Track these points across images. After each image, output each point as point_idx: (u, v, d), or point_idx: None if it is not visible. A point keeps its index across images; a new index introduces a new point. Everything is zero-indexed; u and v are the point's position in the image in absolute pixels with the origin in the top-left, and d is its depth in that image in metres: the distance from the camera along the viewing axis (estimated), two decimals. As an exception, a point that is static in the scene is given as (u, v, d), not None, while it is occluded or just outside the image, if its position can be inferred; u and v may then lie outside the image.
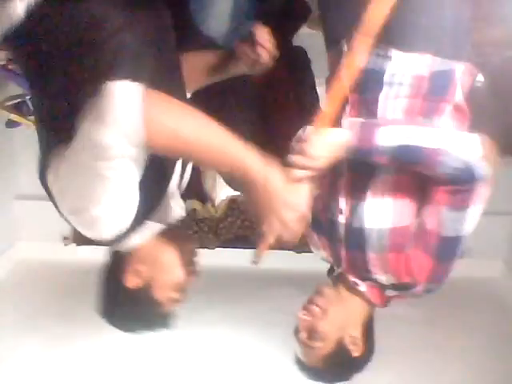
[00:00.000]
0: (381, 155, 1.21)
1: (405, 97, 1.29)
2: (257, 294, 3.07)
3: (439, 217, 1.23)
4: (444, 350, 2.68)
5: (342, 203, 1.34)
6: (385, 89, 1.29)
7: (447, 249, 1.27)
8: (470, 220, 1.25)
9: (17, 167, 3.24)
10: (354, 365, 1.42)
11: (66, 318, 2.78)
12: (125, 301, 1.33)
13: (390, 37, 1.26)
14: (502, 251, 3.36)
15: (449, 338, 2.77)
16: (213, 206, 3.35)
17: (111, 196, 1.10)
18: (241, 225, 3.36)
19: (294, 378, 2.46)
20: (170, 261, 1.32)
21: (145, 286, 1.31)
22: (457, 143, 1.20)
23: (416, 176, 1.25)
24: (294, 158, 1.21)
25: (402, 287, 1.34)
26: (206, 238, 3.35)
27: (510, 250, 3.33)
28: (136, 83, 1.01)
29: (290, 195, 1.11)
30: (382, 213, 1.28)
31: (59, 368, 2.49)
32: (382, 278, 1.34)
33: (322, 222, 1.41)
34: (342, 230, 1.35)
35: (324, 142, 1.22)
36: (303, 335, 1.39)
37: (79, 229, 1.20)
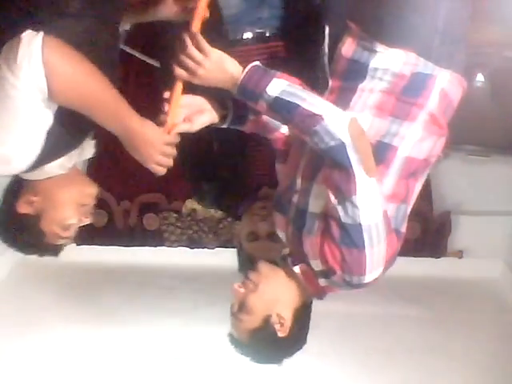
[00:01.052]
0: (262, 102, 1.26)
1: (379, 91, 1.30)
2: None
3: (333, 203, 1.23)
4: (444, 350, 2.68)
5: (298, 183, 1.38)
6: (365, 81, 1.31)
7: (348, 236, 1.23)
8: (365, 210, 1.21)
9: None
10: (279, 346, 1.43)
11: (65, 318, 2.78)
12: (13, 225, 1.43)
13: (377, 30, 1.28)
14: (502, 251, 3.36)
15: (449, 337, 2.77)
16: (213, 205, 3.35)
17: (14, 135, 1.20)
18: (241, 225, 3.36)
19: (293, 378, 2.47)
20: (63, 199, 1.41)
21: (34, 217, 1.40)
22: (337, 121, 1.20)
23: None
24: (180, 58, 1.27)
25: (326, 274, 1.33)
26: (206, 238, 3.35)
27: (510, 249, 3.33)
28: (41, 32, 1.14)
29: (159, 140, 1.30)
30: (323, 197, 1.28)
31: (59, 368, 2.49)
32: (314, 263, 1.35)
33: (283, 201, 1.46)
34: (292, 210, 1.39)
35: (218, 62, 1.28)
36: (235, 307, 1.45)
37: None
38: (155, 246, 3.22)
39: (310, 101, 1.23)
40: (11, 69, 1.13)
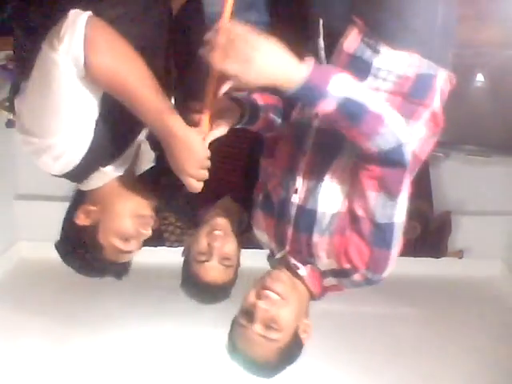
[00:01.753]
0: (328, 101, 1.11)
1: (385, 91, 1.28)
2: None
3: (372, 202, 1.21)
4: (444, 350, 2.68)
5: (299, 182, 1.32)
6: (369, 79, 1.28)
7: (382, 235, 1.23)
8: (401, 208, 1.22)
9: (17, 167, 3.24)
10: (299, 354, 1.39)
11: (65, 317, 2.78)
12: (71, 237, 1.39)
13: (382, 32, 1.26)
14: (501, 251, 3.36)
15: (449, 337, 2.77)
16: (213, 205, 3.35)
17: (63, 123, 1.18)
18: (241, 225, 3.36)
19: (293, 378, 2.47)
20: (121, 209, 1.36)
21: (91, 227, 1.35)
22: (396, 121, 1.17)
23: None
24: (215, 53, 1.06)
25: (341, 273, 1.30)
26: (206, 238, 3.35)
27: (510, 249, 3.33)
28: (87, 12, 1.14)
29: (203, 152, 1.21)
30: (336, 197, 1.26)
31: (59, 368, 2.49)
32: (325, 263, 1.31)
33: (272, 200, 1.40)
34: (293, 210, 1.32)
35: (270, 56, 1.07)
36: (258, 327, 1.30)
37: (33, 158, 1.28)
38: (155, 246, 3.21)
39: (372, 98, 1.16)
40: (52, 45, 1.12)
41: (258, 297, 1.32)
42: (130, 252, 1.40)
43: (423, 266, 3.29)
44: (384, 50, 1.28)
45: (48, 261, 3.29)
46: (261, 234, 1.49)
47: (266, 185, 1.44)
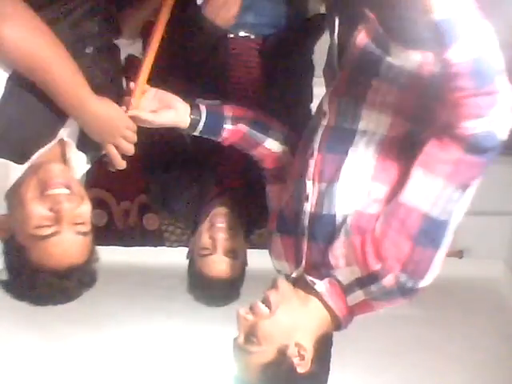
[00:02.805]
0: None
1: (398, 90, 1.22)
2: (257, 293, 3.06)
3: (435, 196, 1.09)
4: (444, 350, 2.68)
5: (309, 188, 1.24)
6: (380, 77, 1.22)
7: (433, 233, 1.10)
8: (464, 204, 1.13)
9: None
10: (294, 380, 1.16)
11: (65, 317, 2.78)
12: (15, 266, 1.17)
13: (395, 31, 1.20)
14: (502, 251, 3.36)
15: (449, 337, 2.77)
16: (213, 205, 3.35)
17: None
18: (241, 225, 3.36)
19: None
20: (22, 197, 1.13)
21: (11, 235, 1.15)
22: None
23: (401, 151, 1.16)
24: None
25: (368, 280, 1.14)
26: (206, 238, 3.35)
27: (510, 249, 3.33)
28: None
29: (121, 120, 1.20)
30: (352, 195, 1.17)
31: (59, 367, 2.49)
32: (346, 272, 1.17)
33: (286, 218, 1.32)
34: (306, 220, 1.23)
35: None
36: (240, 338, 1.20)
37: None
38: (155, 246, 3.22)
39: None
40: None
41: (249, 307, 1.23)
42: (54, 233, 1.10)
43: (423, 266, 3.29)
44: (397, 48, 1.21)
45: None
46: (278, 262, 1.41)
47: (281, 207, 1.37)
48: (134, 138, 1.24)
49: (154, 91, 1.35)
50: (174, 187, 1.66)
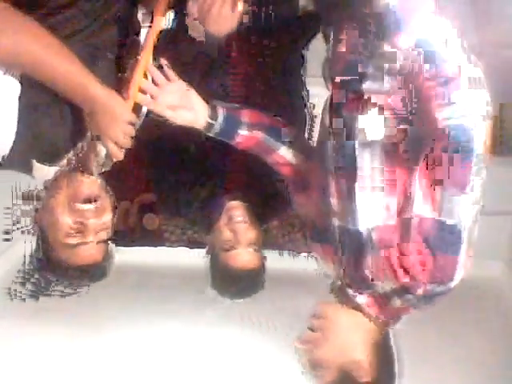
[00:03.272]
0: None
1: (388, 91, 1.22)
2: (257, 293, 3.06)
3: (438, 200, 1.11)
4: (444, 350, 2.68)
5: (334, 203, 1.26)
6: (369, 81, 1.22)
7: (447, 238, 1.13)
8: (468, 209, 1.14)
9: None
10: None
11: (65, 317, 2.78)
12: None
13: (379, 32, 1.20)
14: (502, 251, 3.36)
15: (449, 338, 2.77)
16: (213, 205, 3.34)
17: None
18: (241, 225, 3.36)
19: (293, 377, 2.46)
20: (53, 201, 1.27)
21: (43, 234, 1.29)
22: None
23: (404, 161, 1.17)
24: None
25: (403, 291, 1.22)
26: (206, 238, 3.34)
27: (510, 249, 3.33)
28: None
29: (125, 115, 1.21)
30: (375, 210, 1.18)
31: (59, 368, 2.49)
32: (382, 285, 1.23)
33: (319, 229, 1.36)
34: (336, 234, 1.26)
35: None
36: (306, 366, 1.32)
37: None
38: (155, 246, 3.21)
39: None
40: None
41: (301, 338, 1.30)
42: (82, 244, 1.27)
43: (423, 266, 3.29)
44: (383, 48, 1.21)
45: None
46: (324, 264, 1.44)
47: (311, 216, 1.40)
48: (133, 132, 1.25)
49: (178, 84, 1.34)
50: (185, 191, 1.64)
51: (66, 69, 1.12)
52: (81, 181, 1.25)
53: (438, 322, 2.91)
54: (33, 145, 1.19)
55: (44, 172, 1.26)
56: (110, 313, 2.83)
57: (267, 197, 1.54)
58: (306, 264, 3.24)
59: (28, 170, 1.26)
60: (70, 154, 1.25)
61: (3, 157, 1.18)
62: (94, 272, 1.40)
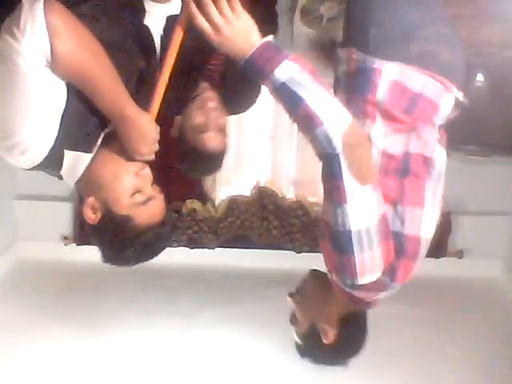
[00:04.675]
0: (268, 83, 1.18)
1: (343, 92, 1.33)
2: (257, 293, 3.07)
3: (327, 210, 1.23)
4: (444, 350, 2.68)
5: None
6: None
7: (340, 242, 1.22)
8: (356, 216, 1.19)
9: (17, 167, 3.24)
10: (326, 351, 1.51)
11: (65, 317, 2.78)
12: (110, 239, 1.34)
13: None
14: (502, 251, 3.36)
15: (449, 338, 2.77)
16: (213, 206, 3.35)
17: (29, 118, 1.16)
18: (241, 225, 3.36)
19: (294, 377, 2.47)
20: (111, 172, 1.30)
21: (106, 214, 1.30)
22: (337, 128, 1.14)
23: None
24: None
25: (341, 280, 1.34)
26: (206, 238, 3.35)
27: (510, 249, 3.33)
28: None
29: (154, 135, 1.30)
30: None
31: (59, 368, 2.49)
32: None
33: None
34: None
35: (245, 27, 1.19)
36: (291, 315, 1.55)
37: (2, 155, 1.25)
38: (155, 246, 3.21)
39: (316, 96, 1.15)
40: (15, 36, 1.10)
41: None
42: (150, 197, 1.32)
43: (423, 266, 3.28)
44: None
45: (48, 261, 3.32)
46: None
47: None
48: (157, 148, 1.33)
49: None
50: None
51: (112, 89, 1.22)
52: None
53: (438, 322, 2.92)
54: (68, 135, 1.24)
55: (75, 162, 1.29)
56: (110, 312, 2.83)
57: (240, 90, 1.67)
58: (306, 264, 3.25)
59: (59, 166, 1.29)
60: (99, 140, 1.31)
61: (45, 157, 1.24)
62: (168, 223, 1.42)
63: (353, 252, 1.22)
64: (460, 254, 3.34)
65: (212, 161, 1.69)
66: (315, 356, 1.56)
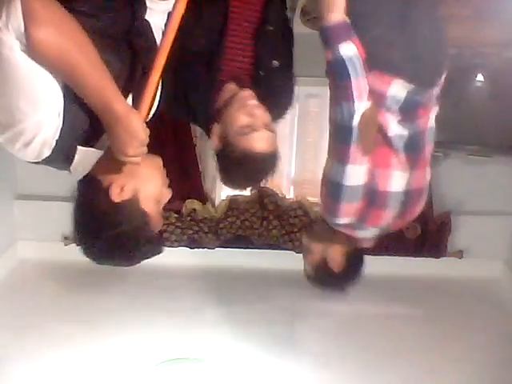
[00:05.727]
0: (329, 52, 1.42)
1: None
2: (257, 293, 3.07)
3: (328, 168, 1.53)
4: (444, 349, 2.68)
5: None
6: None
7: (333, 192, 1.53)
8: (350, 175, 1.48)
9: (17, 167, 3.24)
10: (335, 277, 1.75)
11: (65, 317, 2.78)
12: (106, 222, 1.31)
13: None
14: (502, 251, 3.36)
15: (449, 337, 2.77)
16: (213, 206, 3.35)
17: (27, 105, 1.13)
18: (241, 225, 3.36)
19: (294, 377, 2.47)
20: (151, 173, 1.32)
21: (131, 200, 1.29)
22: (357, 108, 1.42)
23: None
24: None
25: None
26: (206, 238, 3.35)
27: (510, 249, 3.33)
28: None
29: (143, 135, 1.23)
30: None
31: (59, 368, 2.49)
32: None
33: None
34: None
35: None
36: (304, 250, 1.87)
37: (8, 148, 1.22)
38: (155, 246, 3.21)
39: (359, 80, 1.41)
40: None
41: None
42: (160, 214, 1.36)
43: (423, 266, 3.29)
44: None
45: (48, 261, 3.32)
46: None
47: None
48: (145, 151, 1.26)
49: None
50: (192, 79, 1.65)
51: (97, 81, 1.15)
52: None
53: (438, 322, 2.92)
54: (75, 126, 1.21)
55: (86, 159, 1.27)
56: (110, 312, 2.83)
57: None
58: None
59: (69, 161, 1.27)
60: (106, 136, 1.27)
61: (53, 149, 1.21)
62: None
63: (340, 201, 1.53)
64: (460, 254, 3.34)
65: (265, 164, 1.57)
66: (325, 282, 1.81)
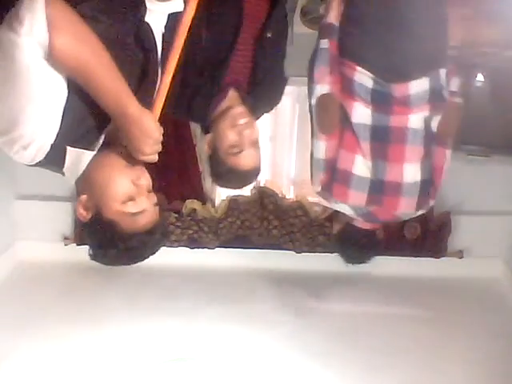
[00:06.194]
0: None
1: None
2: (257, 293, 3.07)
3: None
4: (444, 349, 2.68)
5: None
6: None
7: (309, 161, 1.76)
8: (315, 148, 1.72)
9: (17, 167, 3.24)
10: (361, 245, 1.92)
11: (65, 318, 2.79)
12: (91, 235, 1.34)
13: None
14: (502, 251, 3.36)
15: (449, 337, 2.77)
16: (213, 206, 3.35)
17: (31, 110, 1.16)
18: (241, 225, 3.36)
19: (294, 377, 2.47)
20: (105, 174, 1.30)
21: (95, 214, 1.30)
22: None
23: None
24: None
25: None
26: (206, 238, 3.35)
27: (510, 250, 3.33)
28: None
29: (157, 134, 1.28)
30: None
31: (59, 368, 2.49)
32: None
33: None
34: None
35: None
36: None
37: (5, 150, 1.25)
38: (155, 246, 3.21)
39: (321, 67, 1.66)
40: (13, 28, 1.10)
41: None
42: (143, 211, 1.31)
43: (423, 266, 3.29)
44: None
45: (48, 261, 3.32)
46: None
47: None
48: (160, 149, 1.30)
49: None
50: (196, 83, 1.70)
51: (112, 85, 1.20)
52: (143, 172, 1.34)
53: (438, 322, 2.92)
54: (70, 131, 1.24)
55: (77, 160, 1.29)
56: (111, 312, 2.83)
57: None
58: (306, 264, 3.25)
59: (61, 163, 1.29)
60: (101, 138, 1.30)
61: (47, 154, 1.23)
62: (158, 231, 1.40)
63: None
64: (460, 254, 3.34)
65: (248, 177, 1.72)
66: (350, 251, 1.94)
